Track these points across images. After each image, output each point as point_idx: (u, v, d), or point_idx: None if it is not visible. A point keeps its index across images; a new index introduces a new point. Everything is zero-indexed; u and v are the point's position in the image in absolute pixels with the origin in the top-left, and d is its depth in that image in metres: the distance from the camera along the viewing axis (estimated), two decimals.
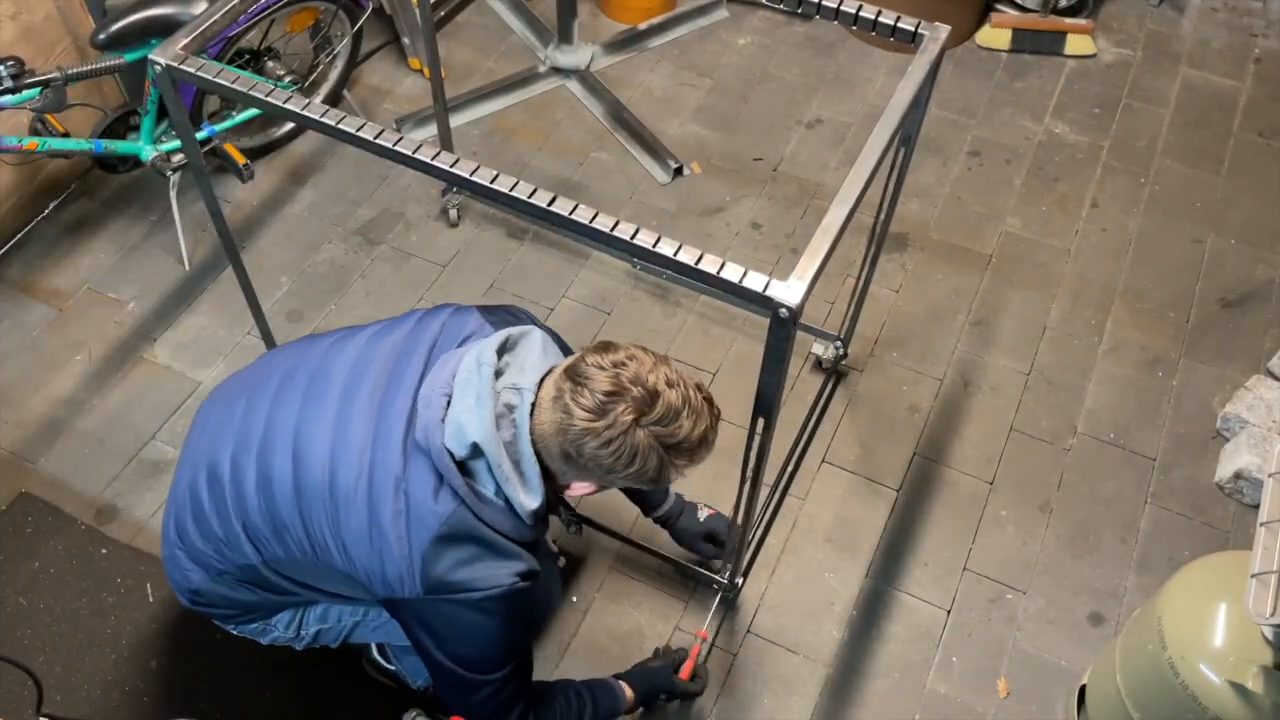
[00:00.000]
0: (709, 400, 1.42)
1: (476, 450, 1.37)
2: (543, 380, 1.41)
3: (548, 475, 1.42)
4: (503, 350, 1.44)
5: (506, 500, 1.41)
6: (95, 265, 2.70)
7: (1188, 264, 2.76)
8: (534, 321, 1.65)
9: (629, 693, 1.83)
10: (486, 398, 1.37)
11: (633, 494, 2.02)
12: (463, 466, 1.39)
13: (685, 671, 1.94)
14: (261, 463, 1.50)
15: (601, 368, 1.34)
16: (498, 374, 1.41)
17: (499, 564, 1.40)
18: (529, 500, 1.41)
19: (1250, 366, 2.53)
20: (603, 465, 1.35)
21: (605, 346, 1.39)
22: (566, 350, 1.63)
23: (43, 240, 2.75)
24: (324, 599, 1.71)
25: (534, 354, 1.46)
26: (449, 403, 1.40)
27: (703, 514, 2.05)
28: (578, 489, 1.46)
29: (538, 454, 1.39)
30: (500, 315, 1.61)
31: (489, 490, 1.40)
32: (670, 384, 1.36)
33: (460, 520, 1.38)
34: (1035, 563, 2.24)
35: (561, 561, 2.17)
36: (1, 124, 2.52)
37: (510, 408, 1.39)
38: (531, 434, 1.39)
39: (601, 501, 2.09)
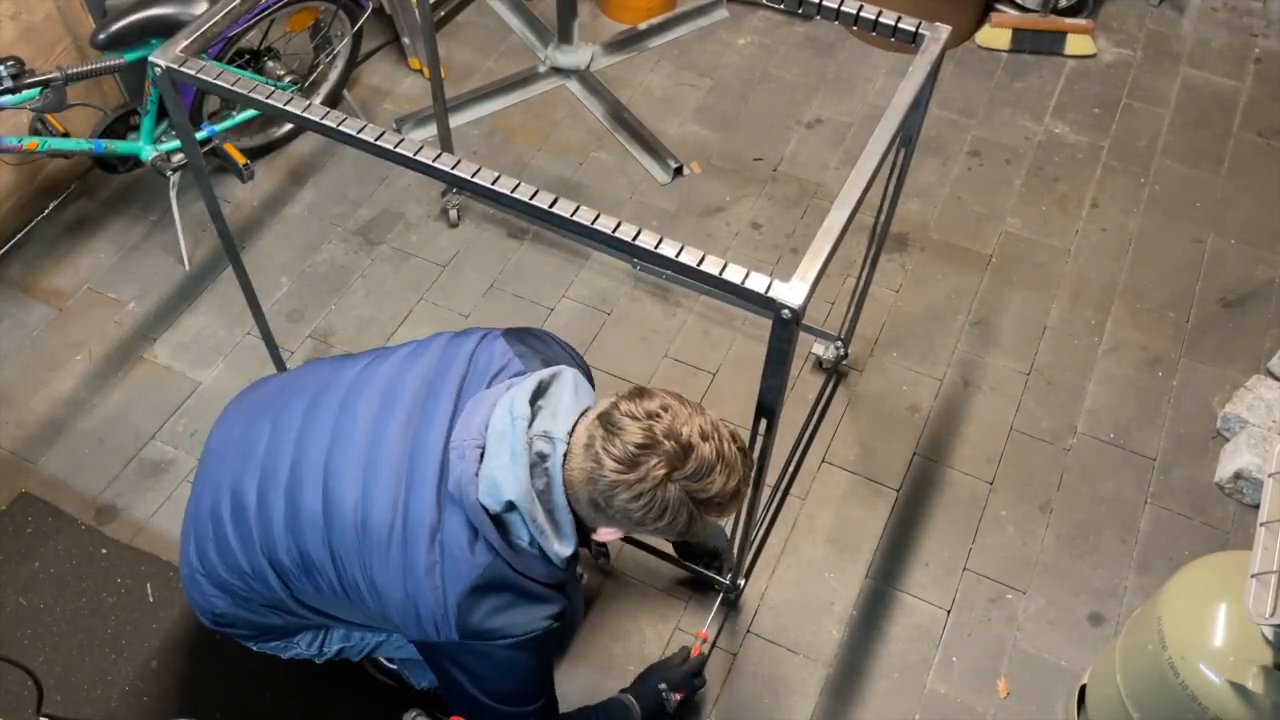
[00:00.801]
0: (743, 450, 1.39)
1: (511, 505, 1.36)
2: (575, 424, 1.39)
3: (577, 520, 1.41)
4: (535, 396, 1.42)
5: (540, 549, 1.40)
6: (95, 265, 2.70)
7: (1188, 264, 2.76)
8: (559, 345, 1.64)
9: (637, 705, 1.83)
10: (521, 454, 1.35)
11: None
12: (496, 519, 1.38)
13: (695, 651, 1.97)
14: (290, 499, 1.49)
15: (635, 417, 1.32)
16: (530, 419, 1.39)
17: (533, 609, 1.41)
18: (563, 549, 1.40)
19: (1250, 366, 2.54)
20: (631, 517, 1.33)
21: (640, 393, 1.36)
22: (592, 379, 1.62)
23: (43, 240, 2.75)
24: (351, 628, 1.71)
25: (566, 398, 1.42)
26: (482, 454, 1.38)
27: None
28: (605, 534, 1.44)
29: (568, 500, 1.38)
30: (528, 345, 1.58)
31: (523, 541, 1.40)
32: (705, 436, 1.33)
33: (495, 571, 1.38)
34: (1035, 563, 2.24)
35: (584, 579, 2.18)
36: (1, 124, 2.52)
37: (543, 456, 1.36)
38: (564, 481, 1.37)
39: None
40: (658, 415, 1.32)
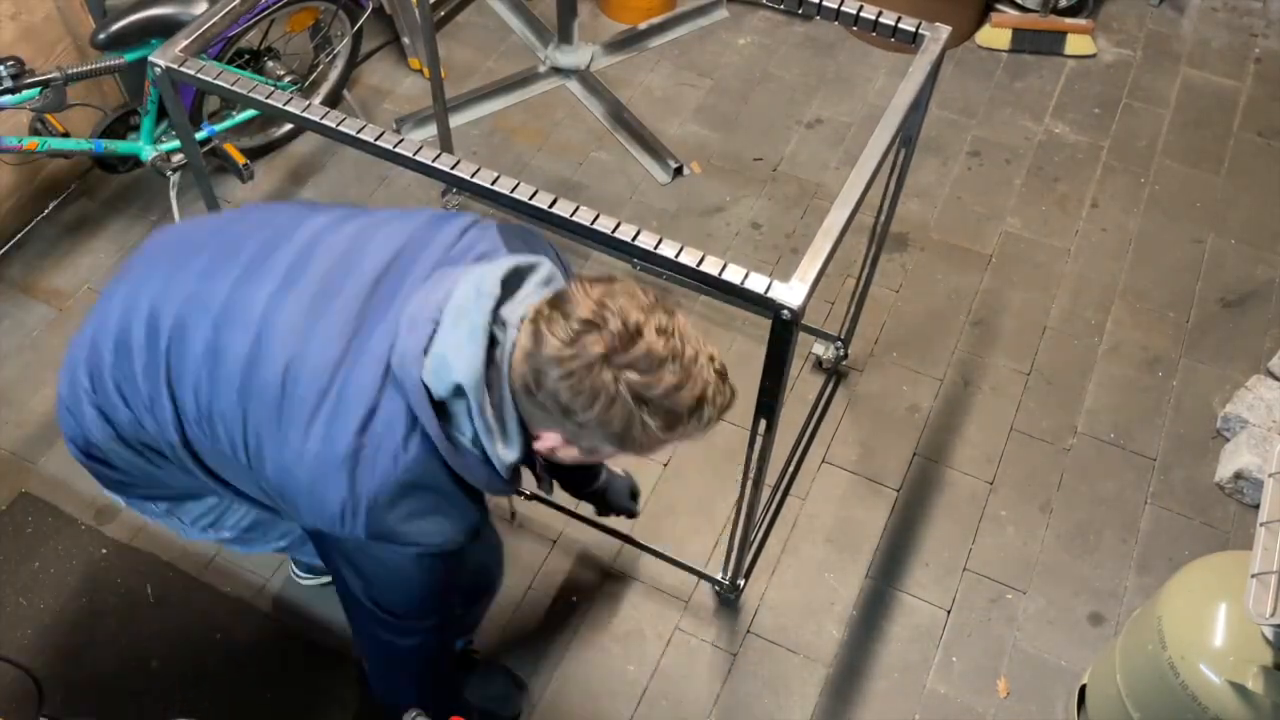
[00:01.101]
0: (721, 374, 1.23)
1: (459, 391, 1.20)
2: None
3: (521, 423, 1.25)
4: (508, 280, 1.25)
5: (482, 450, 1.24)
6: (95, 265, 2.70)
7: (1188, 264, 2.76)
8: (555, 253, 1.45)
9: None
10: (479, 332, 1.19)
11: (567, 481, 1.85)
12: (440, 407, 1.22)
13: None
14: (215, 332, 1.29)
15: (587, 295, 1.17)
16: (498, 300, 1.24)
17: (449, 519, 1.29)
18: (506, 453, 1.24)
19: (1250, 366, 2.54)
20: (560, 402, 1.17)
21: (604, 277, 1.22)
22: None
23: (43, 240, 2.75)
24: (240, 501, 1.52)
25: (531, 286, 1.27)
26: (435, 331, 1.21)
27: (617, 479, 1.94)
28: (547, 439, 1.26)
29: (512, 391, 1.22)
30: (520, 239, 1.41)
31: (465, 437, 1.23)
32: (662, 331, 1.17)
33: (426, 469, 1.23)
34: (1035, 563, 2.24)
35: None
36: (1, 124, 2.52)
37: (495, 341, 1.21)
38: (509, 366, 1.21)
39: None
40: (612, 295, 1.18)
